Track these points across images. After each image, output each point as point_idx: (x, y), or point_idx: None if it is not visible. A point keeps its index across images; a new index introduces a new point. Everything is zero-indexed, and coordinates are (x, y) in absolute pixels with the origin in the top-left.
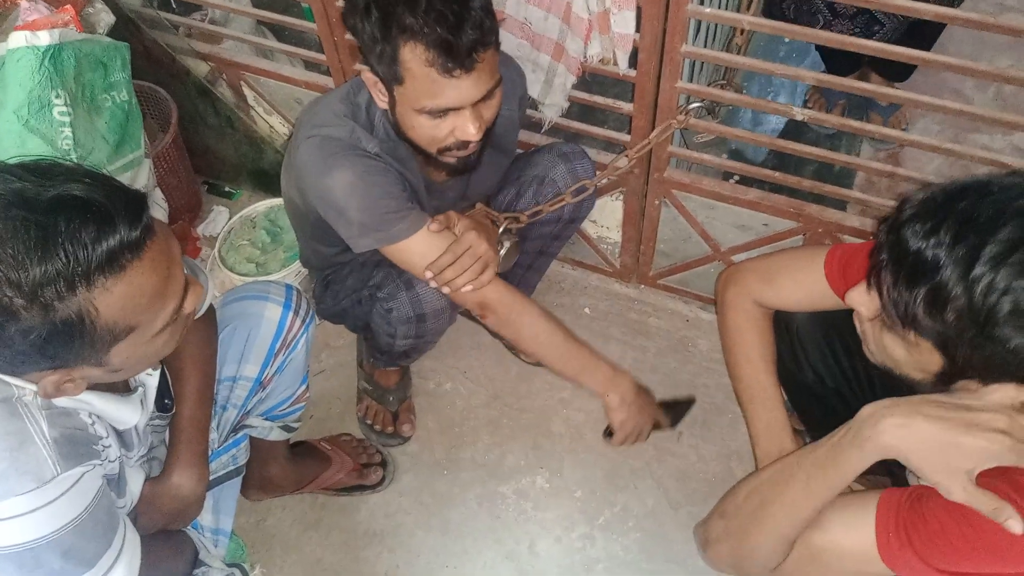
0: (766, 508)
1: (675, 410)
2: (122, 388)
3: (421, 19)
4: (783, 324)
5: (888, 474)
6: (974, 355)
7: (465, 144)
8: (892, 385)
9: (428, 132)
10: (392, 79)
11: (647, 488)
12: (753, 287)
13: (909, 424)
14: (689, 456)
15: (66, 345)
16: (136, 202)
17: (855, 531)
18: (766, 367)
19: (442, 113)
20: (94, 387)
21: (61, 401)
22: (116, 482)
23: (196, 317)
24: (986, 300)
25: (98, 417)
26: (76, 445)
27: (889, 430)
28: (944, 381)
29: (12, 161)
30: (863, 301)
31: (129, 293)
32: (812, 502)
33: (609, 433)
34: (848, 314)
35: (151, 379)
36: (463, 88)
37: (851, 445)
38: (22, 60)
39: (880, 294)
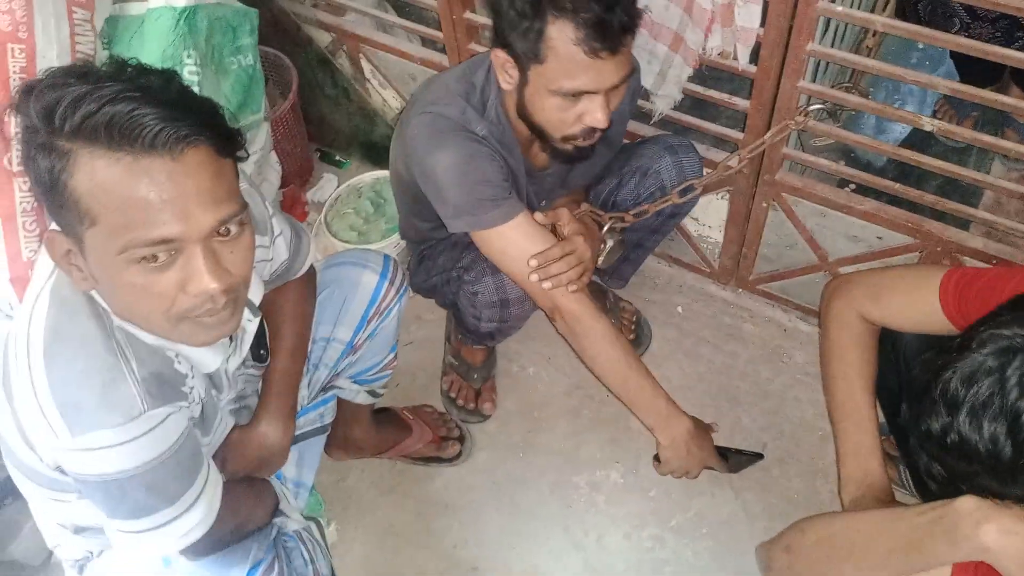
0: (833, 563)
1: (737, 459)
2: None
3: (576, 1)
4: (890, 343)
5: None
6: None
7: (591, 132)
8: None
9: (557, 115)
10: (532, 57)
11: (724, 496)
12: (860, 301)
13: (1016, 532)
14: (772, 469)
15: (51, 191)
16: (186, 114)
17: None
18: (863, 385)
19: (576, 96)
20: None
21: (147, 338)
22: (202, 421)
23: (297, 276)
24: None
25: (184, 358)
26: (164, 385)
27: (992, 535)
28: None
29: None
30: None
31: (107, 176)
32: (885, 574)
33: (657, 459)
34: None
35: (251, 324)
36: (604, 71)
37: (943, 537)
38: (161, 19)
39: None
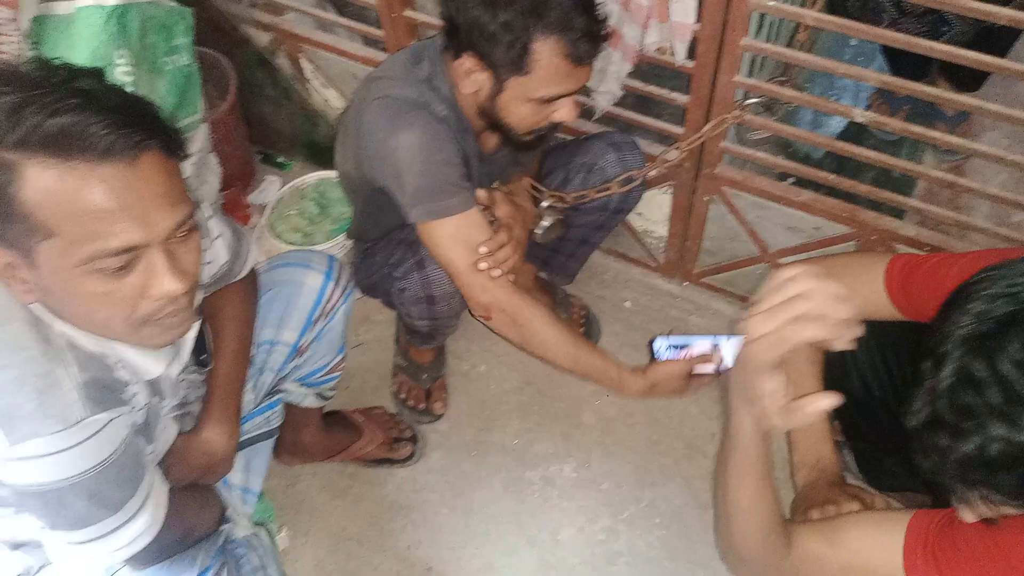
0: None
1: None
2: None
3: (563, 14)
4: None
5: (930, 493)
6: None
7: (556, 125)
8: None
9: (531, 118)
10: (514, 69)
11: (675, 487)
12: None
13: None
14: None
15: None
16: (135, 119)
17: (883, 550)
18: (811, 371)
19: (553, 100)
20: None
21: (88, 345)
22: (145, 428)
23: (237, 279)
24: None
25: (125, 364)
26: (104, 391)
27: None
28: None
29: None
30: None
31: (59, 189)
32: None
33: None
34: (903, 326)
35: (190, 331)
36: (582, 76)
37: None
38: (90, 18)
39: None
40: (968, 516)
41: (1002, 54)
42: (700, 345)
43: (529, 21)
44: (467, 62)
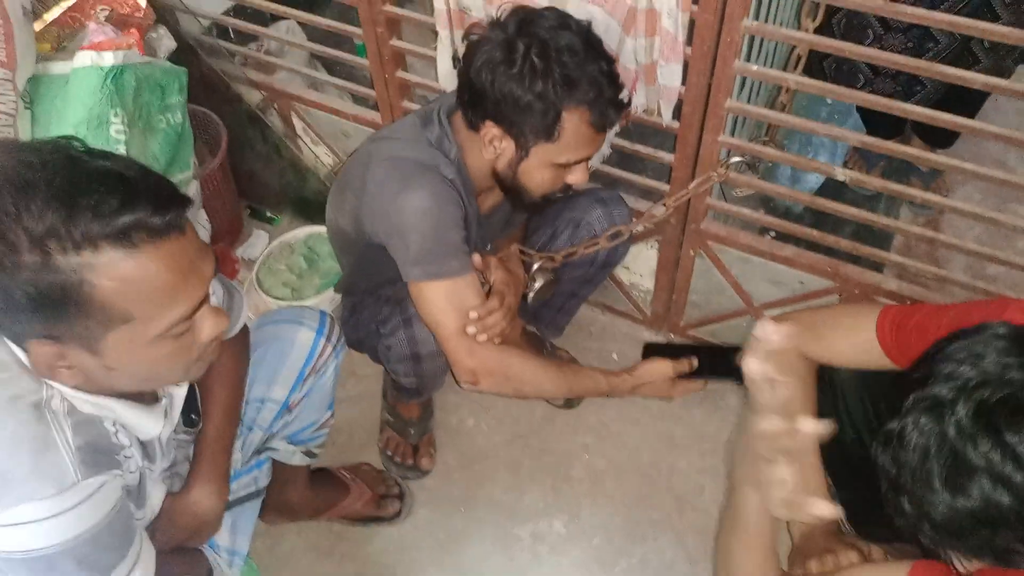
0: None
1: (710, 363)
2: (148, 399)
3: (592, 85)
4: (827, 379)
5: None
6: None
7: (567, 188)
8: None
9: (549, 182)
10: (542, 136)
11: (666, 541)
12: (801, 340)
13: None
14: (711, 511)
15: (61, 308)
16: (171, 195)
17: None
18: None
19: (573, 165)
20: (121, 395)
21: (86, 407)
22: (136, 493)
23: (229, 337)
24: None
25: (121, 426)
26: (99, 454)
27: None
28: None
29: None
30: None
31: (134, 275)
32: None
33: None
34: (892, 376)
35: (179, 390)
36: (599, 142)
37: None
38: (86, 78)
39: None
40: (961, 568)
41: (972, 114)
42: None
43: (562, 92)
44: (493, 130)
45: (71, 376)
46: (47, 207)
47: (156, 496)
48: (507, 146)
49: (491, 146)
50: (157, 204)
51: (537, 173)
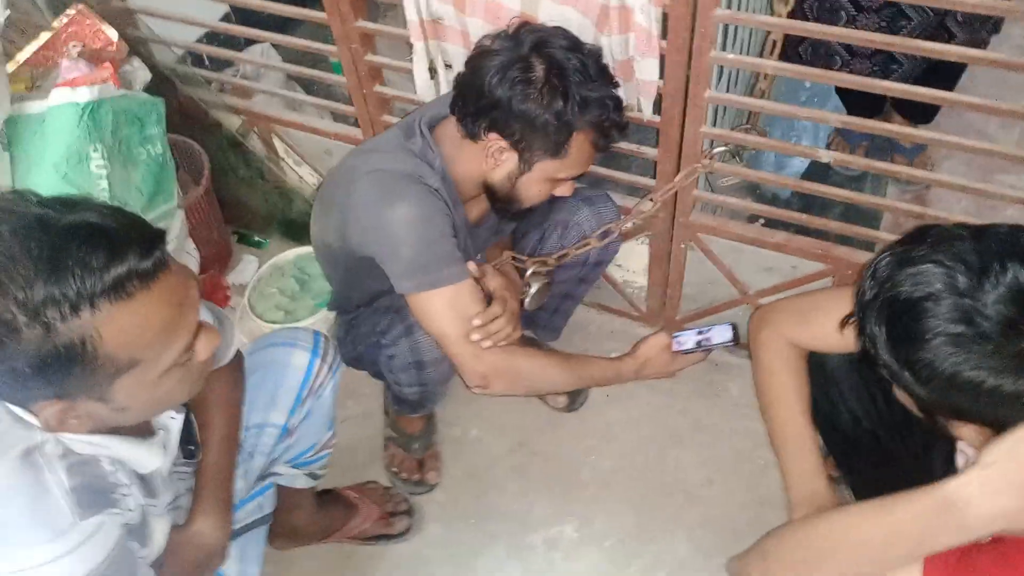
0: (814, 565)
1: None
2: (144, 431)
3: (603, 109)
4: (818, 365)
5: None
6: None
7: (553, 198)
8: (929, 427)
9: (543, 194)
10: (549, 154)
11: (678, 537)
12: (787, 328)
13: (1011, 489)
14: (720, 504)
15: (67, 370)
16: (150, 235)
17: None
18: (801, 409)
19: (567, 179)
20: (115, 430)
21: (83, 448)
22: (139, 531)
23: (221, 364)
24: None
25: (120, 464)
26: (95, 493)
27: (1002, 500)
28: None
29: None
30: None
31: (134, 323)
32: (885, 567)
33: None
34: None
35: (174, 422)
36: (594, 159)
37: (954, 523)
38: (63, 116)
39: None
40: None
41: (950, 88)
42: (716, 331)
43: (577, 113)
44: (498, 142)
45: (80, 425)
46: (35, 278)
47: (161, 531)
48: (509, 158)
49: (492, 158)
50: (142, 248)
51: (535, 186)
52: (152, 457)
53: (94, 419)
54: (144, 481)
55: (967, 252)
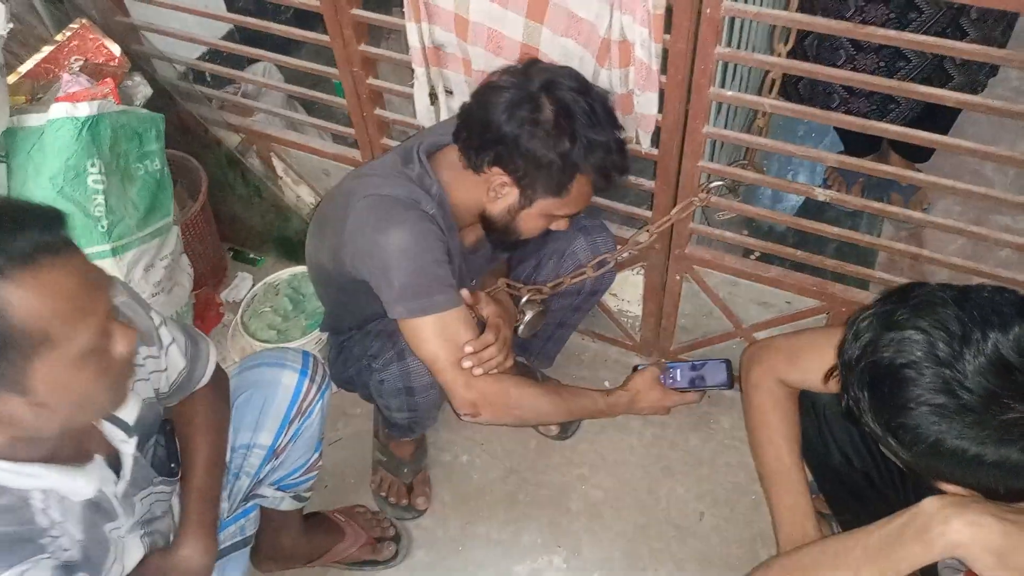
0: None
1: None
2: (82, 458)
3: (607, 154)
4: (809, 404)
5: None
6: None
7: (547, 231)
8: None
9: (540, 228)
10: (551, 192)
11: (667, 571)
12: (778, 366)
13: (982, 523)
14: (711, 538)
15: None
16: (53, 213)
17: None
18: (790, 449)
19: (565, 216)
20: (49, 458)
21: (13, 480)
22: (86, 563)
23: (201, 384)
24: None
25: (53, 496)
26: (13, 545)
27: (963, 529)
28: None
29: None
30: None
31: (44, 294)
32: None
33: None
34: None
35: (126, 446)
36: (592, 198)
37: (915, 540)
38: (61, 130)
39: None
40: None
41: (947, 128)
42: (710, 369)
43: (583, 156)
44: (501, 177)
45: (1, 430)
46: None
47: (133, 555)
48: (510, 193)
49: (493, 191)
50: (49, 224)
51: (533, 221)
52: (90, 484)
53: (15, 424)
54: (94, 507)
55: (949, 319)
